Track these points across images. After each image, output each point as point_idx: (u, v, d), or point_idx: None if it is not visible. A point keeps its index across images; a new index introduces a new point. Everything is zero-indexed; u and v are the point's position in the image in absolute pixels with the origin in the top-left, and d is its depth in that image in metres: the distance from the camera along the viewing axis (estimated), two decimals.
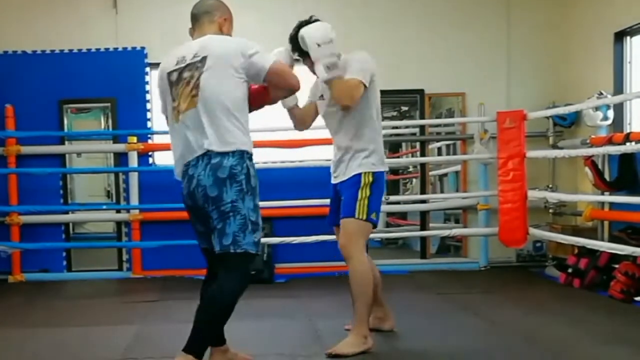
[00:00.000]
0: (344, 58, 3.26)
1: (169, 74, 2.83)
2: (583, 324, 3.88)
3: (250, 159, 2.74)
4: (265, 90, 2.89)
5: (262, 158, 6.04)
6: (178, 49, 2.87)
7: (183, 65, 2.78)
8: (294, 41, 3.24)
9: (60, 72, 6.00)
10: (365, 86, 3.19)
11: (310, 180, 5.68)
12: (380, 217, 3.47)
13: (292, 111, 3.42)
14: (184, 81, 2.77)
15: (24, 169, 5.87)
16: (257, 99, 2.91)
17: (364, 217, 3.24)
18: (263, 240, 5.54)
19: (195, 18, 2.93)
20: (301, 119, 3.48)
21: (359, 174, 3.27)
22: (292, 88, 2.89)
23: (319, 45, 3.08)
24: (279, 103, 3.18)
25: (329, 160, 5.94)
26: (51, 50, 6.06)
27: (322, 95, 3.41)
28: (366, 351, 3.21)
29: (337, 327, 3.65)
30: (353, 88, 3.15)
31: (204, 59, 2.72)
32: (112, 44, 5.99)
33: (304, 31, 3.13)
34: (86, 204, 6.78)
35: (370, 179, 3.27)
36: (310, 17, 3.34)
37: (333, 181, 3.46)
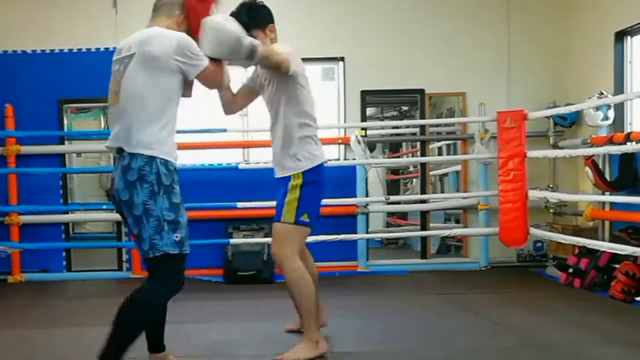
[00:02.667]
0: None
1: (113, 62, 2.75)
2: (584, 324, 3.88)
3: (164, 160, 2.59)
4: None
5: (263, 158, 6.06)
6: (130, 37, 2.74)
7: (119, 57, 2.71)
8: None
9: (60, 72, 5.99)
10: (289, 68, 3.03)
11: None
12: (316, 217, 3.22)
13: (221, 93, 3.29)
14: (115, 75, 2.71)
15: (23, 168, 5.86)
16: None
17: (292, 220, 3.13)
18: (263, 240, 5.63)
19: (155, 7, 2.83)
20: (228, 102, 3.33)
21: (289, 176, 3.18)
22: (220, 87, 2.94)
23: (236, 52, 2.85)
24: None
25: (330, 159, 6.00)
26: (51, 50, 6.06)
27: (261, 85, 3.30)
28: (320, 356, 3.13)
29: (337, 327, 3.65)
30: (287, 54, 3.02)
31: (131, 55, 2.62)
32: (112, 44, 5.97)
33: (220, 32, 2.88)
34: (86, 203, 6.77)
35: (299, 180, 3.15)
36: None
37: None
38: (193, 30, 2.77)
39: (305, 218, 3.14)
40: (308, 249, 3.54)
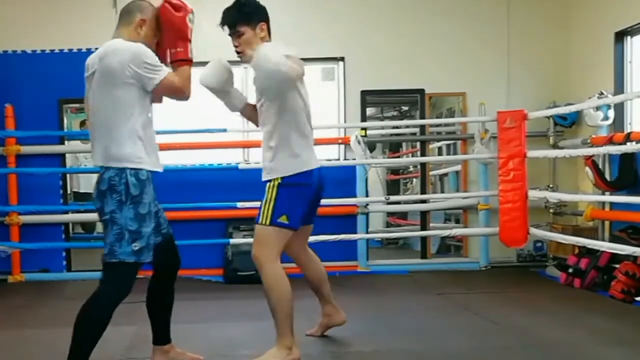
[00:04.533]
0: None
1: (85, 79, 2.85)
2: (583, 324, 3.88)
3: (135, 170, 2.66)
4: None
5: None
6: (95, 52, 2.79)
7: (87, 74, 2.83)
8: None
9: (60, 72, 5.98)
10: (296, 76, 3.02)
11: None
12: (297, 219, 3.12)
13: (243, 114, 3.37)
14: (87, 94, 2.84)
15: (23, 168, 5.86)
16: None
17: (268, 222, 3.05)
18: None
19: (119, 17, 2.85)
20: (253, 117, 3.34)
21: (269, 180, 3.12)
22: (183, 98, 2.82)
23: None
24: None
25: (330, 160, 6.00)
26: (51, 50, 6.06)
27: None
28: None
29: (337, 327, 3.64)
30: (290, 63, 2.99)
31: (93, 73, 2.73)
32: None
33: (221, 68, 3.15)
34: (86, 203, 6.77)
35: (278, 181, 3.08)
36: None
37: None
38: (166, 40, 2.81)
39: (283, 220, 3.04)
40: (312, 249, 3.52)
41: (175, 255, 3.08)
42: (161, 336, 3.07)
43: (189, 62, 2.81)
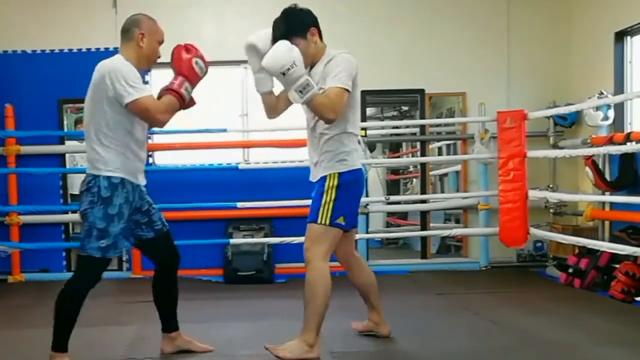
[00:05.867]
0: (327, 62, 3.12)
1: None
2: (584, 324, 3.88)
3: (107, 176, 2.91)
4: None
5: (263, 158, 6.07)
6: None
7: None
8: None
9: (60, 72, 5.99)
10: (348, 91, 3.04)
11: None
12: (353, 219, 3.28)
13: (264, 98, 3.30)
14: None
15: (23, 168, 5.86)
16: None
17: (327, 222, 3.11)
18: (263, 240, 5.63)
19: (120, 37, 3.09)
20: (272, 108, 3.33)
21: (325, 177, 3.15)
22: (155, 124, 3.01)
23: (284, 74, 2.92)
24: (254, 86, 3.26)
25: None
26: (51, 50, 6.06)
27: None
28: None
29: (337, 327, 3.65)
30: (335, 101, 2.99)
31: (90, 84, 2.98)
32: (112, 44, 5.96)
33: (264, 63, 2.97)
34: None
35: (336, 181, 3.12)
36: (295, 5, 3.19)
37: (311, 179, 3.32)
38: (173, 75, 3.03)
39: (341, 221, 3.13)
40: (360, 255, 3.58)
41: (173, 251, 3.26)
42: (167, 324, 3.28)
43: (176, 95, 2.98)
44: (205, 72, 3.08)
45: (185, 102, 3.05)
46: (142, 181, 3.07)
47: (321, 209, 3.11)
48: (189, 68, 3.00)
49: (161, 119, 2.95)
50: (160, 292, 3.26)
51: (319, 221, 3.11)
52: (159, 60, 3.14)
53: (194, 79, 3.03)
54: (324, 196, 3.12)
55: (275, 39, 3.06)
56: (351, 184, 3.16)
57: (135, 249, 3.30)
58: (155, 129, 5.89)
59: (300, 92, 2.96)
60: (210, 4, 6.13)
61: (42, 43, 6.04)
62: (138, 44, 3.00)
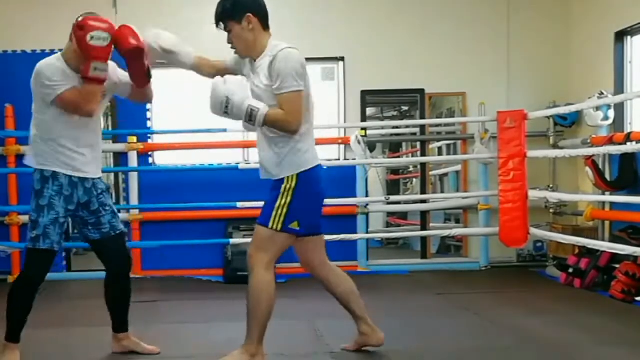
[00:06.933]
0: (272, 61, 2.87)
1: None
2: (584, 324, 3.88)
3: (39, 170, 3.04)
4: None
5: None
6: None
7: None
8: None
9: None
10: (300, 91, 2.85)
11: None
12: (313, 223, 3.03)
13: (195, 70, 3.16)
14: None
15: (23, 168, 5.83)
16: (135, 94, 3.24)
17: (279, 227, 2.89)
18: None
19: None
20: (198, 65, 3.15)
21: (282, 179, 2.92)
22: (83, 114, 3.02)
23: (227, 113, 2.82)
24: None
25: (330, 160, 6.00)
26: (51, 50, 6.03)
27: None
28: None
29: (337, 327, 3.65)
30: (291, 110, 2.82)
31: None
32: None
33: (210, 93, 2.84)
34: None
35: (294, 183, 2.90)
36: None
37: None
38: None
39: (295, 226, 2.92)
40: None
41: (120, 257, 3.28)
42: (116, 325, 3.33)
43: (88, 80, 2.93)
44: (108, 38, 2.89)
45: (115, 81, 3.12)
46: (88, 174, 3.10)
47: (274, 212, 2.89)
48: (86, 48, 2.88)
49: (86, 109, 2.99)
50: (108, 296, 3.32)
51: (270, 225, 2.90)
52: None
53: (98, 55, 2.88)
54: (279, 199, 2.89)
55: (215, 24, 3.02)
56: (308, 184, 2.93)
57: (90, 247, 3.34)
58: (154, 128, 5.99)
59: (250, 120, 2.82)
60: (210, 3, 6.10)
61: (42, 43, 6.02)
62: (69, 46, 3.02)
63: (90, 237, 3.20)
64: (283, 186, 2.91)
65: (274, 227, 2.90)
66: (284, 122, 2.85)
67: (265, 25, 3.00)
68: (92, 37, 2.87)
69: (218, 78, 2.88)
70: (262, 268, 2.93)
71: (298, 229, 2.93)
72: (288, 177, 2.91)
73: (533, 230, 5.49)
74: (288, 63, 2.84)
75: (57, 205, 3.02)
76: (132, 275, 5.99)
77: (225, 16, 2.98)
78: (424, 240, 6.35)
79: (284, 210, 2.89)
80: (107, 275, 3.30)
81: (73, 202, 3.07)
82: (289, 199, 2.89)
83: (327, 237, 5.35)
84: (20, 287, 3.12)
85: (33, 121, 3.08)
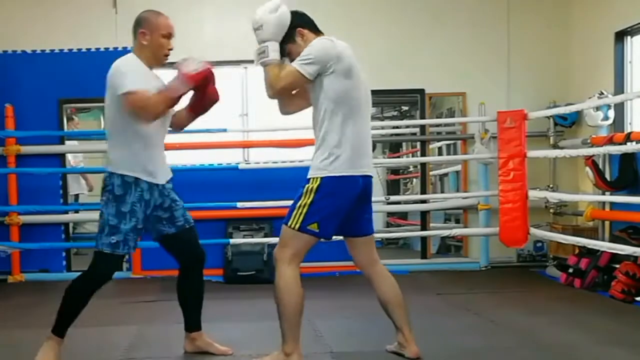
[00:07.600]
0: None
1: None
2: (584, 324, 3.88)
3: (120, 175, 2.97)
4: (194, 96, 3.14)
5: (263, 158, 6.06)
6: None
7: None
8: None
9: (60, 72, 5.99)
10: (303, 75, 2.85)
11: None
12: (328, 226, 2.93)
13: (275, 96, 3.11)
14: None
15: (23, 168, 5.86)
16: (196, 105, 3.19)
17: (297, 226, 2.89)
18: (263, 240, 5.63)
19: None
20: (284, 102, 3.15)
21: (308, 179, 2.93)
22: (143, 118, 2.93)
23: (255, 29, 2.90)
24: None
25: None
26: (51, 50, 6.06)
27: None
28: None
29: (337, 327, 3.65)
30: (280, 77, 2.86)
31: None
32: (112, 44, 5.98)
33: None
34: (86, 204, 6.77)
35: (316, 184, 2.88)
36: None
37: None
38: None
39: (314, 227, 2.89)
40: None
41: (194, 250, 3.37)
42: (189, 323, 3.36)
43: (171, 96, 2.96)
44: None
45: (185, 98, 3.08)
46: (161, 179, 3.09)
47: (295, 211, 2.90)
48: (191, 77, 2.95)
49: (150, 114, 2.91)
50: (181, 292, 3.39)
51: (289, 223, 2.92)
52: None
53: (190, 81, 2.96)
54: (302, 198, 2.90)
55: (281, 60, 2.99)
56: (331, 191, 2.88)
57: (160, 244, 3.30)
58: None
59: (259, 54, 2.92)
60: (211, 3, 6.12)
61: (42, 43, 6.04)
62: (141, 43, 3.05)
63: (165, 232, 3.18)
64: (307, 186, 2.91)
65: (293, 225, 2.91)
66: (268, 81, 2.91)
67: (315, 29, 3.05)
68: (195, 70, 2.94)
69: (274, 3, 2.91)
70: (284, 264, 2.99)
71: (317, 231, 2.90)
72: (313, 178, 2.91)
73: (533, 230, 5.49)
74: (314, 48, 2.88)
75: (138, 211, 3.00)
76: (132, 275, 6.06)
77: (284, 44, 2.97)
78: (424, 240, 6.35)
79: (304, 210, 2.89)
80: (181, 271, 3.37)
81: (150, 205, 3.07)
82: (309, 199, 2.88)
83: None
84: (85, 285, 3.07)
85: (108, 125, 3.06)
